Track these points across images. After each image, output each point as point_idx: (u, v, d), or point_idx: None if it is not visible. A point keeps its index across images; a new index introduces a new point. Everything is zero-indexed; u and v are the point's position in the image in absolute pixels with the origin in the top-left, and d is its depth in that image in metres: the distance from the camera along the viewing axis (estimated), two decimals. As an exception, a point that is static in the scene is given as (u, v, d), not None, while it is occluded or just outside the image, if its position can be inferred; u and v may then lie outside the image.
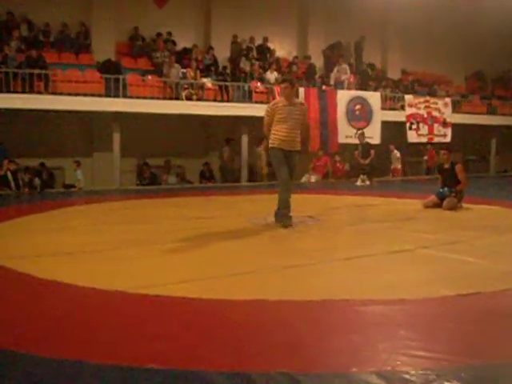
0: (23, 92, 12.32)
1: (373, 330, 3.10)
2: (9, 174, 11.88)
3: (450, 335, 3.01)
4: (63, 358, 2.67)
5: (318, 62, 18.25)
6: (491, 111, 19.92)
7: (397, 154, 17.15)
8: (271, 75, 15.52)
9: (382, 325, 3.17)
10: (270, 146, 6.91)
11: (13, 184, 11.89)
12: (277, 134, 6.79)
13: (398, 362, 2.59)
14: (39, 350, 2.76)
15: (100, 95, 13.28)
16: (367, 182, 14.32)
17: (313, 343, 2.88)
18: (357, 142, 15.52)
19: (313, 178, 15.51)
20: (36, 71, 12.54)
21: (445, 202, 8.51)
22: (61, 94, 12.88)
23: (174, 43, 15.81)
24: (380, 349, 2.80)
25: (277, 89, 14.43)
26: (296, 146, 6.87)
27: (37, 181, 12.31)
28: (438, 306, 3.54)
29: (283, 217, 6.77)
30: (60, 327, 3.14)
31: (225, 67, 15.73)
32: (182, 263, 4.82)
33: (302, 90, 15.54)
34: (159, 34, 15.72)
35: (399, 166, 17.33)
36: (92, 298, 3.74)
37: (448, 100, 18.43)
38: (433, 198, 8.79)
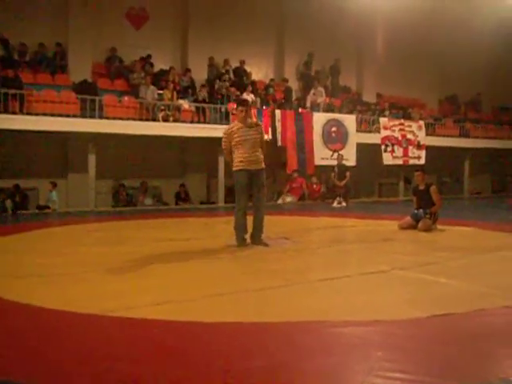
0: (-3, 112, 12.20)
1: (348, 351, 3.09)
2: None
3: (425, 356, 3.02)
4: (30, 382, 2.60)
5: (293, 85, 18.46)
6: (464, 134, 20.29)
7: None
8: (248, 97, 15.61)
9: (358, 346, 3.16)
10: (234, 169, 6.96)
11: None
12: (239, 157, 6.87)
13: (374, 384, 2.58)
14: (3, 375, 2.68)
15: (76, 116, 13.20)
16: (343, 204, 14.42)
17: (289, 366, 2.86)
18: (332, 163, 15.67)
19: (289, 200, 15.57)
20: (12, 91, 12.44)
21: (420, 224, 8.60)
22: (36, 114, 12.76)
23: (152, 65, 15.85)
24: (356, 370, 2.79)
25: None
26: (260, 165, 6.91)
27: (9, 203, 12.09)
28: (413, 327, 3.55)
29: (237, 239, 6.90)
30: (27, 350, 3.05)
31: (203, 85, 15.77)
32: (156, 285, 4.76)
33: (278, 113, 15.68)
34: (140, 57, 15.77)
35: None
36: (63, 321, 3.66)
37: (422, 123, 18.74)
38: (408, 219, 8.87)
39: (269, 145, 7.15)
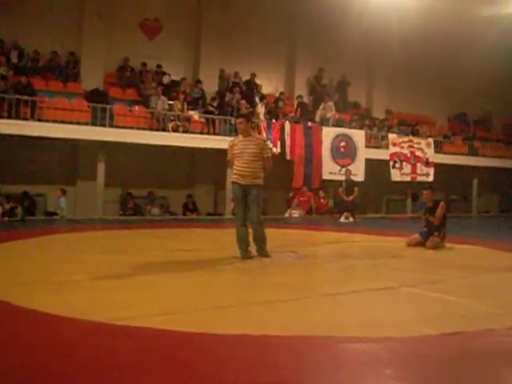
0: (9, 117, 12.26)
1: (357, 367, 3.06)
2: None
3: (433, 374, 2.99)
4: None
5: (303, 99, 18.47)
6: (473, 152, 20.21)
7: None
8: (262, 108, 15.67)
9: (367, 363, 3.13)
10: (231, 180, 7.07)
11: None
12: (235, 169, 6.95)
13: (383, 402, 2.56)
14: (10, 381, 2.67)
15: (86, 124, 13.28)
16: (351, 219, 14.37)
17: (296, 381, 2.83)
18: (340, 178, 15.65)
19: (296, 213, 15.54)
20: (24, 98, 12.53)
21: (428, 241, 8.55)
22: (47, 121, 12.85)
23: (164, 73, 15.96)
24: (364, 387, 2.76)
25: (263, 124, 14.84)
26: (252, 181, 6.80)
27: (19, 210, 12.08)
28: (421, 345, 3.51)
29: (240, 251, 6.86)
30: (33, 356, 3.04)
31: (213, 98, 15.84)
32: (164, 295, 4.75)
33: (287, 126, 15.70)
34: (145, 65, 15.88)
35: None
36: (69, 328, 3.65)
37: (430, 140, 18.71)
38: (416, 236, 8.82)
39: (271, 160, 7.06)
